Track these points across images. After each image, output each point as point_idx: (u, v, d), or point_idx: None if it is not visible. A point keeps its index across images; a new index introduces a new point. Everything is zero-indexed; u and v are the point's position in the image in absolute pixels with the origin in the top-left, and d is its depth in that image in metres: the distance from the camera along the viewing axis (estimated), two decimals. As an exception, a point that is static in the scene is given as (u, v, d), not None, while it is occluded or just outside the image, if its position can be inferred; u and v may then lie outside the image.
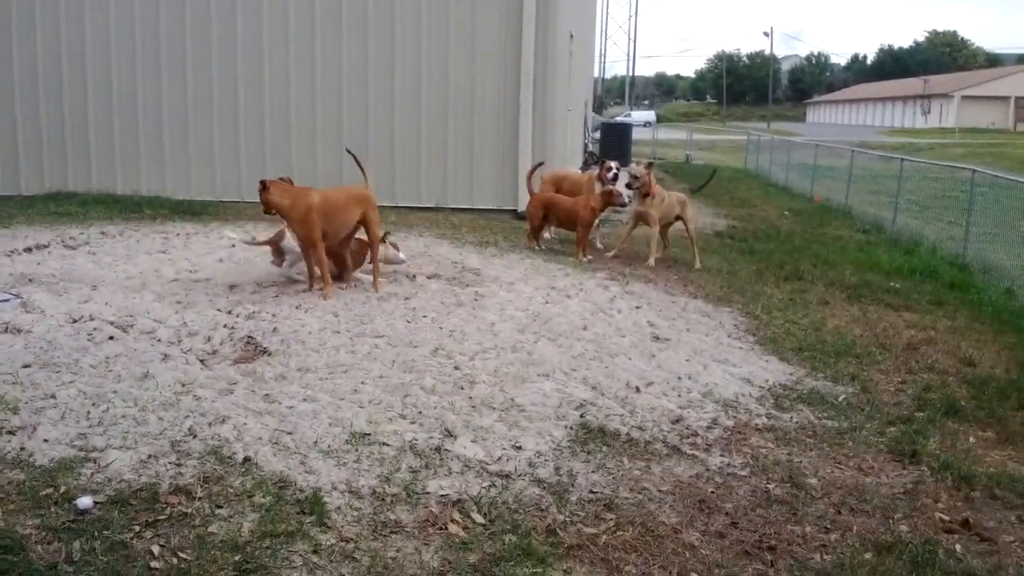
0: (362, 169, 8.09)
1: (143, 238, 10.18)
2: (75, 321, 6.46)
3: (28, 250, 9.17)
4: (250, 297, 7.49)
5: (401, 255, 8.44)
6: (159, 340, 6.16)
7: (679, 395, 5.68)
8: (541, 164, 11.49)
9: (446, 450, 4.59)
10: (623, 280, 8.99)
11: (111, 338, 6.10)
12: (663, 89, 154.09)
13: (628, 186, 10.32)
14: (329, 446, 4.55)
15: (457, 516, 3.94)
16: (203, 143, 13.60)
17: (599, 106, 46.63)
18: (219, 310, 6.98)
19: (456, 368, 5.84)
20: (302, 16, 13.20)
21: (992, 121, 75.22)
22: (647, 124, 59.07)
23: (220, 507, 3.87)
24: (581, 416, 5.15)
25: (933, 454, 5.00)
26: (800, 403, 5.72)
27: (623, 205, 10.30)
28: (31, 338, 5.99)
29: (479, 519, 3.93)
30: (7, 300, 6.97)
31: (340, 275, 8.06)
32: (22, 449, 4.28)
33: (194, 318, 6.70)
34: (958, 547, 3.98)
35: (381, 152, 12.86)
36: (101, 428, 4.58)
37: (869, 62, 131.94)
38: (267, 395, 5.18)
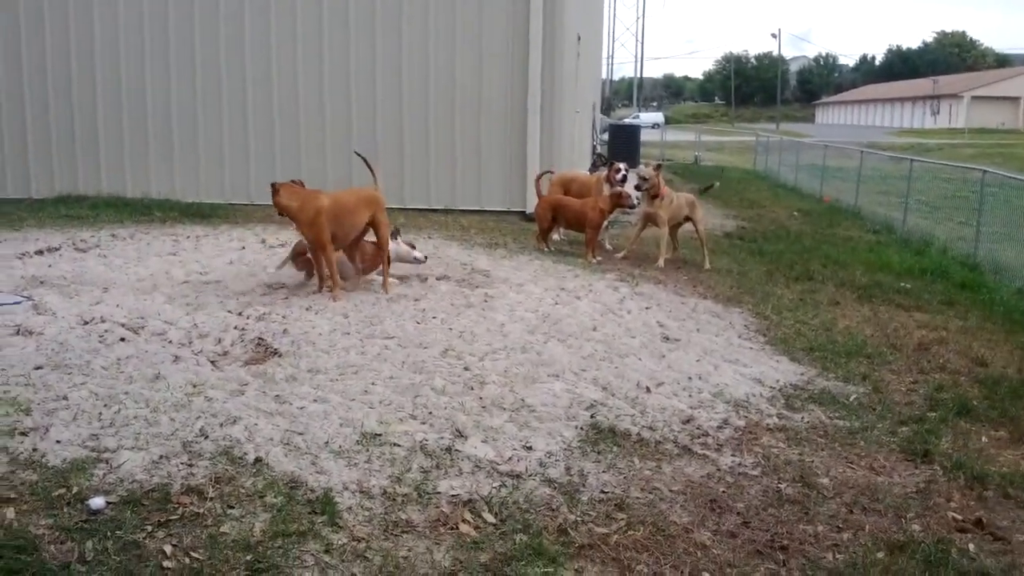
0: (372, 171, 8.10)
1: (153, 240, 10.22)
2: (86, 323, 6.48)
3: (39, 253, 9.22)
4: (260, 299, 7.51)
5: (417, 253, 8.43)
6: (170, 342, 6.18)
7: (690, 395, 5.68)
8: (549, 172, 11.49)
9: (457, 450, 4.59)
10: (633, 281, 8.98)
11: (122, 340, 6.12)
12: (671, 91, 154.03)
13: (637, 188, 10.31)
14: (340, 446, 4.56)
15: (468, 516, 3.94)
16: (213, 144, 13.65)
17: (607, 108, 46.60)
18: (230, 312, 6.99)
19: (466, 369, 5.84)
20: (310, 16, 13.24)
21: (1002, 121, 74.94)
22: (655, 126, 59.04)
23: (232, 507, 3.87)
24: (591, 416, 5.15)
25: (945, 453, 4.98)
26: (811, 403, 5.70)
27: (632, 207, 10.31)
28: (43, 340, 6.01)
29: (490, 519, 3.93)
30: (19, 302, 7.00)
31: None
32: (35, 450, 4.30)
33: (205, 320, 6.72)
34: (971, 546, 3.97)
35: (390, 153, 12.88)
36: (113, 429, 4.60)
37: (878, 63, 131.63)
38: (278, 396, 5.19)
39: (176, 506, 3.84)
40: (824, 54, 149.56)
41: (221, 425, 4.70)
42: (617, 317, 7.45)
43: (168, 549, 3.51)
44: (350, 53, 13.24)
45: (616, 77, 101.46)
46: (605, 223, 10.54)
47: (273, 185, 7.49)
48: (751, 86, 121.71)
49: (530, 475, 4.38)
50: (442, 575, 3.52)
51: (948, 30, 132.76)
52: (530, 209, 12.21)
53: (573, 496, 4.20)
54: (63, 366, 5.50)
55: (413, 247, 8.46)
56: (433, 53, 13.10)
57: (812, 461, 4.80)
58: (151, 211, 12.40)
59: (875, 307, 8.67)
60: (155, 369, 5.53)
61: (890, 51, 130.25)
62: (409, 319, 6.99)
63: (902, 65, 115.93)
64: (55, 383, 5.18)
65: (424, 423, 4.92)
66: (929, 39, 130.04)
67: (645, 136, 30.10)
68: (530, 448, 4.68)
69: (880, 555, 3.83)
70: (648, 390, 5.67)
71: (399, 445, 4.61)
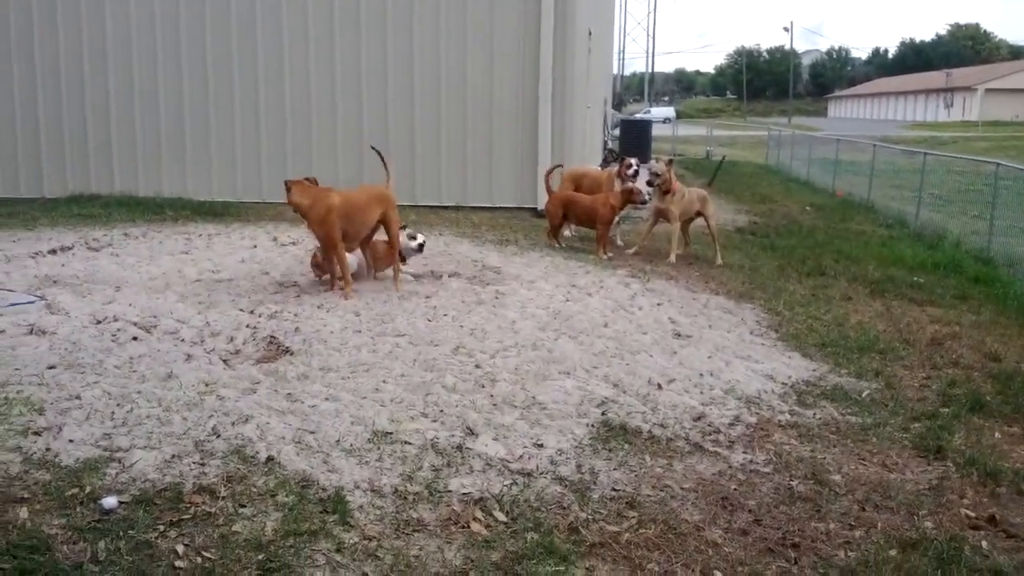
0: (386, 167, 8.11)
1: (165, 239, 10.25)
2: (99, 322, 6.52)
3: (52, 252, 9.26)
4: (272, 297, 7.53)
5: (413, 244, 8.30)
6: (182, 340, 6.21)
7: (701, 392, 5.66)
8: (559, 166, 11.48)
9: (468, 448, 4.59)
10: (644, 277, 8.97)
11: (135, 339, 6.15)
12: (683, 85, 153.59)
13: (648, 183, 10.29)
14: (351, 445, 4.57)
15: (479, 514, 3.94)
16: (224, 143, 13.69)
17: (618, 103, 46.48)
18: (241, 310, 7.02)
19: (477, 366, 5.85)
20: (321, 15, 13.26)
21: (1016, 114, 74.34)
22: (667, 120, 58.93)
23: (244, 506, 3.89)
24: (603, 414, 5.14)
25: (958, 450, 4.95)
26: (823, 399, 5.68)
27: (643, 202, 10.28)
28: (56, 339, 6.04)
29: (501, 517, 3.93)
30: (32, 302, 7.04)
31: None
32: (48, 450, 4.32)
33: (217, 318, 6.74)
34: (984, 543, 3.95)
35: (402, 151, 12.87)
36: (125, 428, 4.62)
37: (890, 56, 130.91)
38: (289, 394, 5.21)
39: (188, 505, 3.85)
40: (836, 47, 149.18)
41: (233, 424, 4.72)
42: (628, 313, 7.44)
43: (180, 548, 3.53)
44: (361, 52, 13.26)
45: (627, 72, 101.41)
46: (616, 219, 10.53)
47: (286, 183, 7.53)
48: (763, 80, 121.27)
49: (541, 473, 4.38)
50: (453, 574, 3.52)
51: (962, 22, 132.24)
52: (541, 205, 12.20)
53: (584, 494, 4.20)
54: (76, 365, 5.53)
55: (414, 237, 8.37)
56: (445, 52, 13.11)
57: (824, 458, 4.78)
58: (163, 210, 12.45)
59: (888, 302, 8.63)
60: (167, 368, 5.55)
61: (903, 44, 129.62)
62: (420, 317, 6.99)
63: (915, 58, 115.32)
64: (68, 382, 5.21)
65: (435, 421, 4.93)
66: (942, 31, 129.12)
67: (656, 131, 30.04)
68: (541, 446, 4.68)
69: (892, 552, 3.81)
70: (659, 387, 5.66)
71: (410, 443, 4.62)
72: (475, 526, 3.84)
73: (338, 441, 4.60)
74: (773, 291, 8.71)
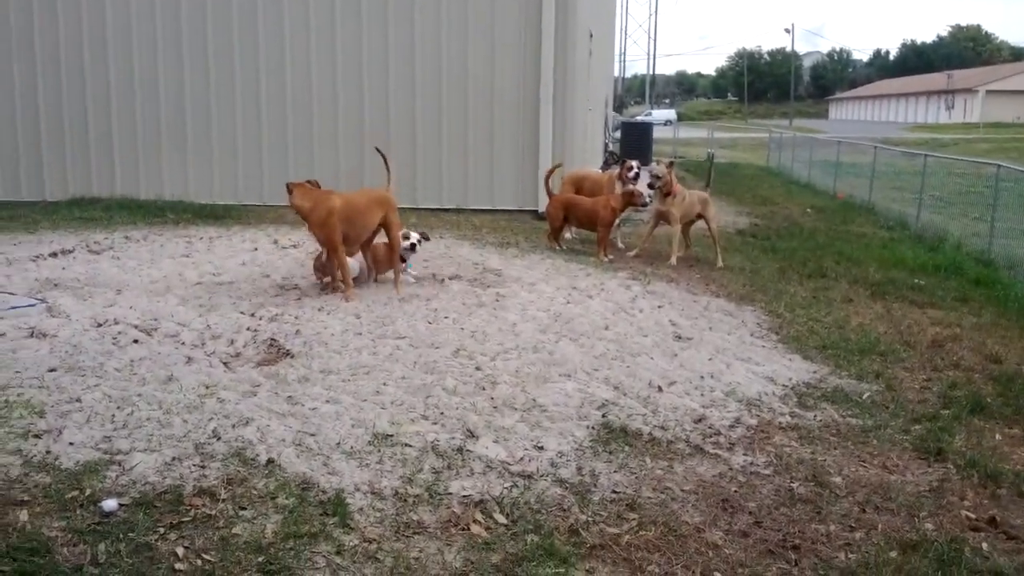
0: (388, 169, 8.12)
1: (166, 242, 10.26)
2: (100, 325, 6.52)
3: (53, 255, 9.27)
4: (273, 300, 7.53)
5: (405, 243, 8.18)
6: (183, 343, 6.21)
7: (702, 394, 5.66)
8: (559, 166, 11.48)
9: (468, 451, 4.59)
10: (645, 279, 8.97)
11: (135, 342, 6.15)
12: (684, 87, 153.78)
13: (650, 185, 10.29)
14: (352, 447, 4.57)
15: (479, 516, 3.94)
16: (225, 145, 13.69)
17: (619, 105, 46.53)
18: (242, 313, 7.02)
19: (478, 369, 5.85)
20: (322, 5, 13.26)
21: (1017, 115, 74.25)
22: (668, 123, 58.97)
23: (244, 509, 3.89)
24: (603, 416, 5.14)
25: (959, 451, 4.95)
26: (824, 401, 5.68)
27: (644, 205, 10.29)
28: (56, 342, 6.05)
29: (501, 519, 3.93)
30: (33, 305, 7.04)
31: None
32: (48, 452, 4.32)
33: (217, 321, 6.75)
34: (984, 545, 3.94)
35: (403, 148, 12.82)
36: (126, 431, 4.62)
37: (891, 58, 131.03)
38: (290, 397, 5.21)
39: (188, 508, 3.86)
40: (838, 49, 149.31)
41: (233, 426, 4.72)
42: (629, 316, 7.44)
43: (180, 551, 3.53)
44: (363, 43, 13.26)
45: (628, 74, 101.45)
46: (617, 221, 10.53)
47: (288, 185, 7.54)
48: (764, 82, 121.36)
49: (541, 475, 4.38)
50: (453, 576, 3.53)
51: (963, 24, 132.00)
52: (542, 208, 12.20)
53: (584, 496, 4.20)
54: (77, 368, 5.53)
55: (407, 237, 8.28)
56: (446, 43, 13.10)
57: (824, 460, 4.78)
58: (164, 213, 12.46)
59: (888, 304, 8.63)
60: (168, 371, 5.55)
61: (904, 45, 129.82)
62: (421, 319, 7.00)
63: (916, 60, 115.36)
64: (69, 385, 5.21)
65: (436, 423, 4.93)
66: (944, 33, 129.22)
67: (657, 133, 30.04)
68: (541, 448, 4.68)
69: (893, 554, 3.81)
70: (660, 389, 5.66)
71: (411, 446, 4.62)
72: (475, 528, 3.84)
73: (338, 443, 4.60)
74: (774, 293, 8.71)
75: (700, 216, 10.47)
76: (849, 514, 4.18)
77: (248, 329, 6.56)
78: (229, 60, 13.54)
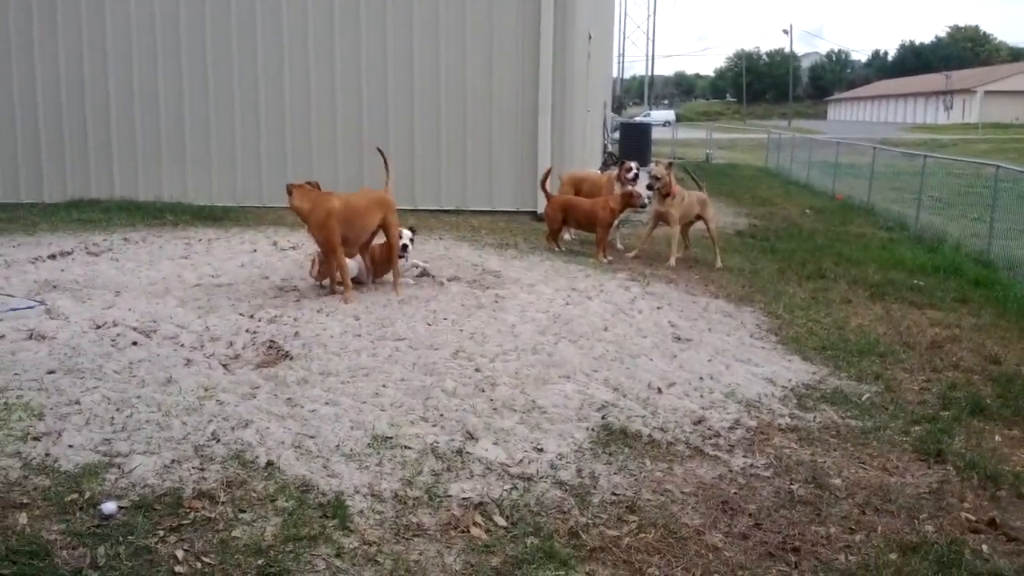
0: (387, 170, 8.11)
1: (165, 244, 10.25)
2: (99, 327, 6.51)
3: (52, 257, 9.26)
4: (272, 301, 7.52)
5: (402, 240, 8.11)
6: (182, 345, 6.20)
7: (701, 396, 5.66)
8: (549, 170, 11.40)
9: (468, 453, 4.59)
10: (644, 281, 8.97)
11: (134, 344, 6.14)
12: (682, 88, 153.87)
13: (648, 187, 10.29)
14: (351, 449, 4.56)
15: (479, 519, 3.94)
16: (224, 146, 13.68)
17: (618, 106, 46.53)
18: (241, 315, 7.01)
19: (477, 370, 5.84)
20: (320, 14, 13.25)
21: (1016, 116, 74.30)
22: (666, 124, 58.93)
23: (243, 511, 3.88)
24: (603, 418, 5.14)
25: (958, 453, 4.95)
26: (823, 403, 5.68)
27: (643, 206, 10.30)
28: (55, 344, 6.04)
29: (501, 522, 3.93)
30: (31, 307, 7.03)
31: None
32: (47, 455, 4.32)
33: (216, 323, 6.74)
34: (984, 547, 3.94)
35: (401, 152, 12.82)
36: (125, 433, 4.61)
37: (890, 58, 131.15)
38: (289, 399, 5.20)
39: (188, 510, 3.85)
40: (836, 50, 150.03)
41: (233, 429, 4.72)
42: (628, 317, 7.44)
43: (180, 554, 3.53)
44: (361, 51, 13.26)
45: (627, 75, 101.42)
46: (616, 222, 10.52)
47: (288, 186, 7.54)
48: (763, 83, 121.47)
49: (541, 477, 4.38)
50: (453, 578, 3.52)
51: (961, 24, 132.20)
52: (541, 209, 12.19)
53: (584, 498, 4.19)
54: (76, 370, 5.53)
55: (399, 236, 8.25)
56: (444, 52, 13.10)
57: (824, 461, 4.78)
58: (163, 214, 12.45)
59: (888, 305, 8.63)
60: (167, 373, 5.55)
61: (903, 46, 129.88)
62: (420, 321, 6.99)
63: (915, 60, 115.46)
64: (68, 387, 5.20)
65: (435, 425, 4.93)
66: (942, 34, 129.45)
67: (656, 134, 30.01)
68: (541, 450, 4.68)
69: (892, 556, 3.81)
70: (659, 391, 5.65)
71: (410, 448, 4.61)
72: (475, 531, 3.84)
73: (338, 446, 4.59)
74: (773, 294, 8.71)
75: (699, 217, 10.47)
76: (849, 516, 4.18)
77: (247, 331, 6.55)
78: (228, 69, 13.54)
